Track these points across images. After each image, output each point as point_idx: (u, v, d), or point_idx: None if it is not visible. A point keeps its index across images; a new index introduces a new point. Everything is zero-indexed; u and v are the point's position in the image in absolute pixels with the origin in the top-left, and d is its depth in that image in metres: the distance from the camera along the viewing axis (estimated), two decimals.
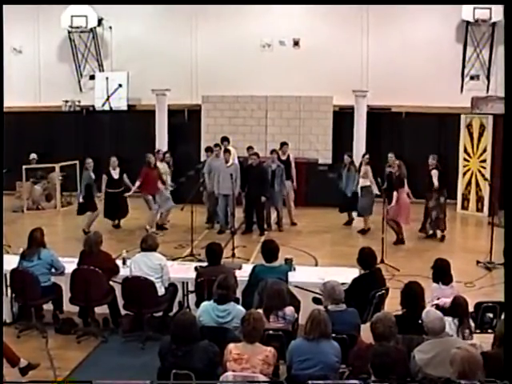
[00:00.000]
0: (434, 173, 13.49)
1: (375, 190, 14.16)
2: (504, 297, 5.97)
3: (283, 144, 15.41)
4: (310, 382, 5.45)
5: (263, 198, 14.29)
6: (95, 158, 14.49)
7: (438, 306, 7.03)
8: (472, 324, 6.88)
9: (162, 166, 15.10)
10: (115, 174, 14.33)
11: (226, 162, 14.34)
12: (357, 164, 14.76)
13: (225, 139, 15.49)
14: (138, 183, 14.09)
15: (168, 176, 15.21)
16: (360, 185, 14.35)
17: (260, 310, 6.67)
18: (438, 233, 13.85)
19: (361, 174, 14.36)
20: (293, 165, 15.42)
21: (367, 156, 14.67)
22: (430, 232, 13.87)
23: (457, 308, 6.74)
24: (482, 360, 5.16)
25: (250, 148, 15.33)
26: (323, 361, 5.96)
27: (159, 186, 14.39)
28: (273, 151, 15.00)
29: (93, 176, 14.15)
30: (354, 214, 14.97)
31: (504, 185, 6.41)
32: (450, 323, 6.48)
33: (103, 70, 19.12)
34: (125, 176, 14.45)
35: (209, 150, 15.11)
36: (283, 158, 15.17)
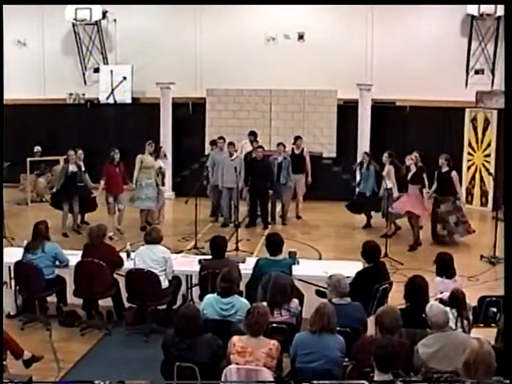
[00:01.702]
0: (455, 175, 12.78)
1: (395, 193, 13.21)
2: (504, 292, 5.96)
3: (297, 138, 15.33)
4: (314, 382, 5.44)
5: (271, 192, 14.29)
6: (99, 151, 14.39)
7: (441, 300, 7.03)
8: (471, 317, 6.89)
9: (156, 163, 14.02)
10: (82, 167, 13.84)
11: (231, 155, 14.31)
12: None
13: (252, 134, 15.48)
14: (101, 183, 13.37)
15: (161, 175, 14.18)
16: (385, 186, 13.26)
17: (264, 303, 6.67)
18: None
19: (384, 174, 13.48)
20: (307, 159, 15.34)
21: (386, 154, 13.67)
22: (459, 239, 13.04)
23: (455, 300, 6.75)
24: (491, 360, 5.01)
25: (251, 134, 15.40)
26: (326, 355, 5.94)
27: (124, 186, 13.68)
28: (279, 144, 14.94)
29: (71, 170, 13.58)
30: (373, 213, 14.29)
31: (504, 181, 6.40)
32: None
33: (107, 63, 19.09)
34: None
35: (213, 143, 15.10)
36: (297, 151, 15.13)
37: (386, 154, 13.67)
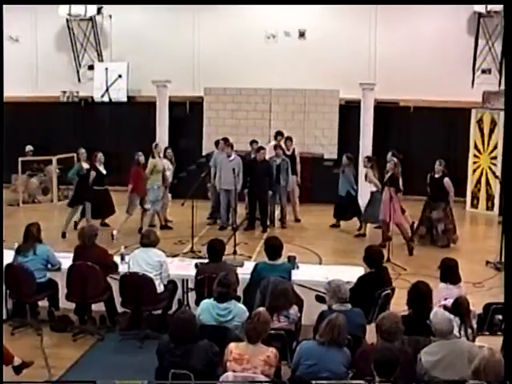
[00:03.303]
0: (447, 181, 13.03)
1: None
2: (504, 297, 5.97)
3: (287, 138, 15.38)
4: (313, 382, 5.43)
5: (270, 192, 14.33)
6: (93, 151, 14.37)
7: (445, 307, 7.02)
8: (475, 325, 6.89)
9: (164, 163, 14.45)
10: (103, 170, 13.96)
11: (228, 155, 14.29)
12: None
13: (279, 134, 15.51)
14: (130, 186, 13.69)
15: (170, 174, 14.72)
16: (370, 190, 13.85)
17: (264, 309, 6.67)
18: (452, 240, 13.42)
19: (364, 179, 14.03)
20: (298, 160, 15.40)
21: (365, 159, 14.18)
22: (441, 244, 13.28)
23: (458, 308, 6.75)
24: (501, 368, 5.05)
25: (253, 142, 15.31)
26: (331, 369, 5.90)
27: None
28: (276, 146, 14.96)
29: (85, 167, 13.87)
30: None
31: (504, 182, 6.43)
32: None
33: (102, 60, 19.09)
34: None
35: (218, 143, 15.00)
36: (288, 152, 15.15)
37: (365, 159, 14.20)
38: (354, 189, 14.41)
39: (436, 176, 13.15)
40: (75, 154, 14.33)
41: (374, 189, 13.68)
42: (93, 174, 13.68)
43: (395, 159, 13.44)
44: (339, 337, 5.99)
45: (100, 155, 13.96)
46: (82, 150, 14.13)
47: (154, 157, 14.13)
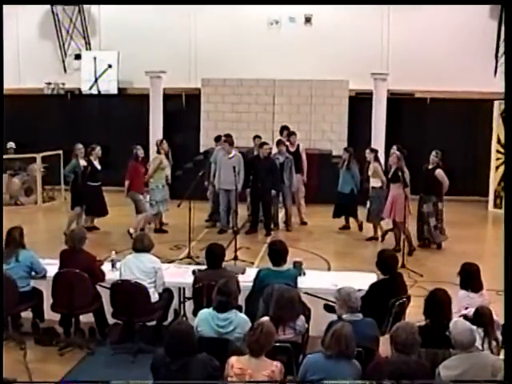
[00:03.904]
0: (439, 172, 13.14)
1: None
2: (504, 297, 5.96)
3: (291, 134, 15.36)
4: None
5: (273, 192, 14.30)
6: (88, 145, 14.38)
7: (466, 317, 7.01)
8: (500, 336, 6.87)
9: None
10: (98, 165, 14.12)
11: (228, 153, 14.26)
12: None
13: (285, 128, 15.49)
14: (127, 182, 13.76)
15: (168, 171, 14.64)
16: (370, 185, 13.91)
17: (267, 318, 6.66)
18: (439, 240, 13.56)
19: (370, 174, 13.89)
20: (303, 157, 15.38)
21: (368, 151, 14.12)
22: (438, 241, 13.51)
23: (480, 317, 6.73)
24: None
25: (256, 137, 15.30)
26: None
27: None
28: (279, 142, 14.93)
29: (82, 164, 13.97)
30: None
31: (504, 183, 6.48)
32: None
33: (90, 49, 19.15)
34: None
35: (218, 139, 14.97)
36: (292, 149, 15.12)
37: (367, 151, 14.11)
38: (357, 186, 14.43)
39: (429, 167, 13.27)
40: (61, 152, 14.28)
41: (378, 185, 13.71)
42: (88, 168, 13.87)
43: (398, 152, 13.49)
44: (347, 349, 5.97)
45: (98, 149, 14.11)
46: (80, 146, 14.14)
47: (159, 152, 14.20)
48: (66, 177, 14.46)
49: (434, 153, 13.33)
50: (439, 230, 13.42)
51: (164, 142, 14.52)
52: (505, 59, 6.43)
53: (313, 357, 6.18)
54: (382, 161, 14.49)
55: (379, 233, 14.05)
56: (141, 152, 13.95)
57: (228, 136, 14.71)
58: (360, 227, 14.68)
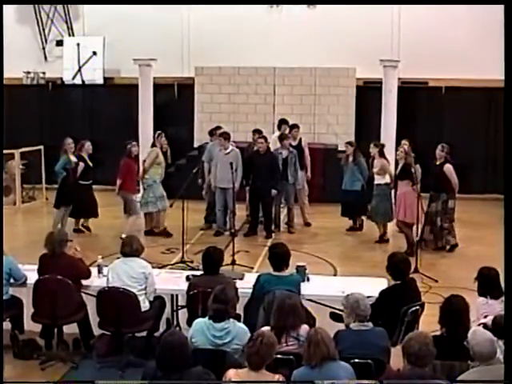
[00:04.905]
0: (448, 167, 13.11)
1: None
2: (504, 297, 5.97)
3: (293, 126, 15.36)
4: None
5: (274, 192, 14.27)
6: (79, 140, 14.37)
7: (485, 325, 7.02)
8: None
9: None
10: (89, 162, 14.20)
11: (225, 148, 14.26)
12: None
13: (283, 122, 15.51)
14: (119, 181, 13.80)
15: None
16: (375, 182, 13.94)
17: (268, 328, 6.68)
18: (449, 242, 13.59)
19: (375, 170, 13.91)
20: (306, 152, 15.39)
21: (372, 145, 14.16)
22: (439, 245, 13.48)
23: (498, 327, 6.73)
24: None
25: (256, 131, 15.31)
26: None
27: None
28: (283, 136, 14.92)
29: (74, 160, 14.03)
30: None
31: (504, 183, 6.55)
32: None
33: (73, 35, 19.14)
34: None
35: (213, 133, 14.98)
36: (294, 143, 15.13)
37: (372, 145, 14.13)
38: (364, 182, 14.46)
39: (437, 163, 13.25)
40: (42, 147, 14.29)
41: (383, 181, 13.75)
42: (81, 165, 13.96)
43: (406, 146, 13.58)
44: (329, 350, 6.06)
45: (88, 145, 14.19)
46: (70, 141, 14.18)
47: (155, 145, 14.25)
48: (58, 174, 14.39)
49: (439, 147, 13.32)
50: (447, 230, 13.40)
51: (162, 135, 14.50)
52: (505, 59, 6.46)
53: (298, 372, 6.22)
54: (393, 156, 14.48)
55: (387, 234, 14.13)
56: (135, 149, 14.02)
57: (219, 128, 14.73)
58: (360, 227, 14.77)
